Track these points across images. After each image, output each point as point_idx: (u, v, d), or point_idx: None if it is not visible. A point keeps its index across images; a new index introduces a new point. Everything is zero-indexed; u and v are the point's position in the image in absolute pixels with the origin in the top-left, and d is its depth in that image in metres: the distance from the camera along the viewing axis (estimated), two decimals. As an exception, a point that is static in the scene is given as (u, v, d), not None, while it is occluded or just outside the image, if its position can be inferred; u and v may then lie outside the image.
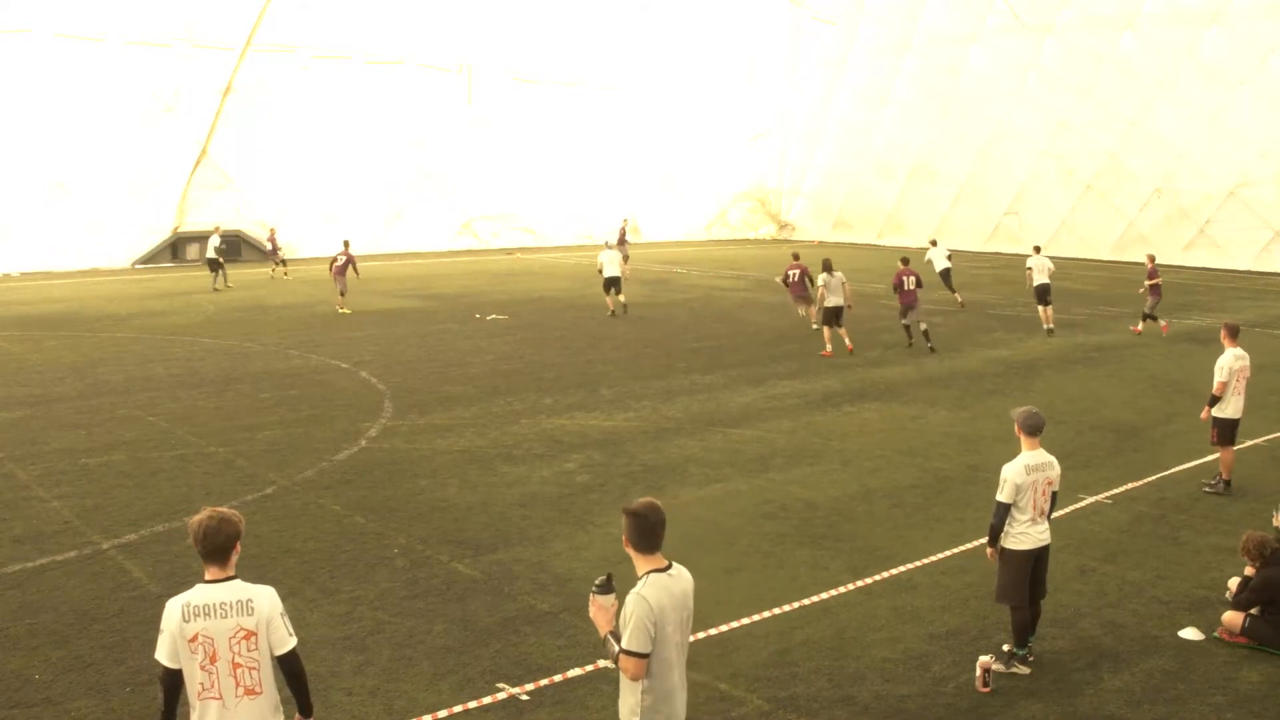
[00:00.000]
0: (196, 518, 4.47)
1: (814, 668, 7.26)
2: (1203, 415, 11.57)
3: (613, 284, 24.52)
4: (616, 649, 4.42)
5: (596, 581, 4.58)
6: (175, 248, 37.11)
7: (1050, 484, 7.32)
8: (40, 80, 33.20)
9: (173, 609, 4.41)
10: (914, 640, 7.70)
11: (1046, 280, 22.78)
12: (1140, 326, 22.17)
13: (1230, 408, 11.31)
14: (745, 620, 7.99)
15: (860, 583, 8.77)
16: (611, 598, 4.51)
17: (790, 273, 22.22)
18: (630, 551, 4.57)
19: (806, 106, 51.48)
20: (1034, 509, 7.21)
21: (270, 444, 13.02)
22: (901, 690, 6.96)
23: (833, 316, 19.60)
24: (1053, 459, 7.38)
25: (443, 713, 6.59)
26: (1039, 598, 7.40)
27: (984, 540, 9.58)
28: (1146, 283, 22.12)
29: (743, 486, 11.41)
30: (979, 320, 24.59)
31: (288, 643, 4.53)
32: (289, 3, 36.82)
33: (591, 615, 4.56)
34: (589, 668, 7.20)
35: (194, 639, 4.36)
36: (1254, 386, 17.01)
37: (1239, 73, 36.52)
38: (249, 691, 4.44)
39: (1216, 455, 11.66)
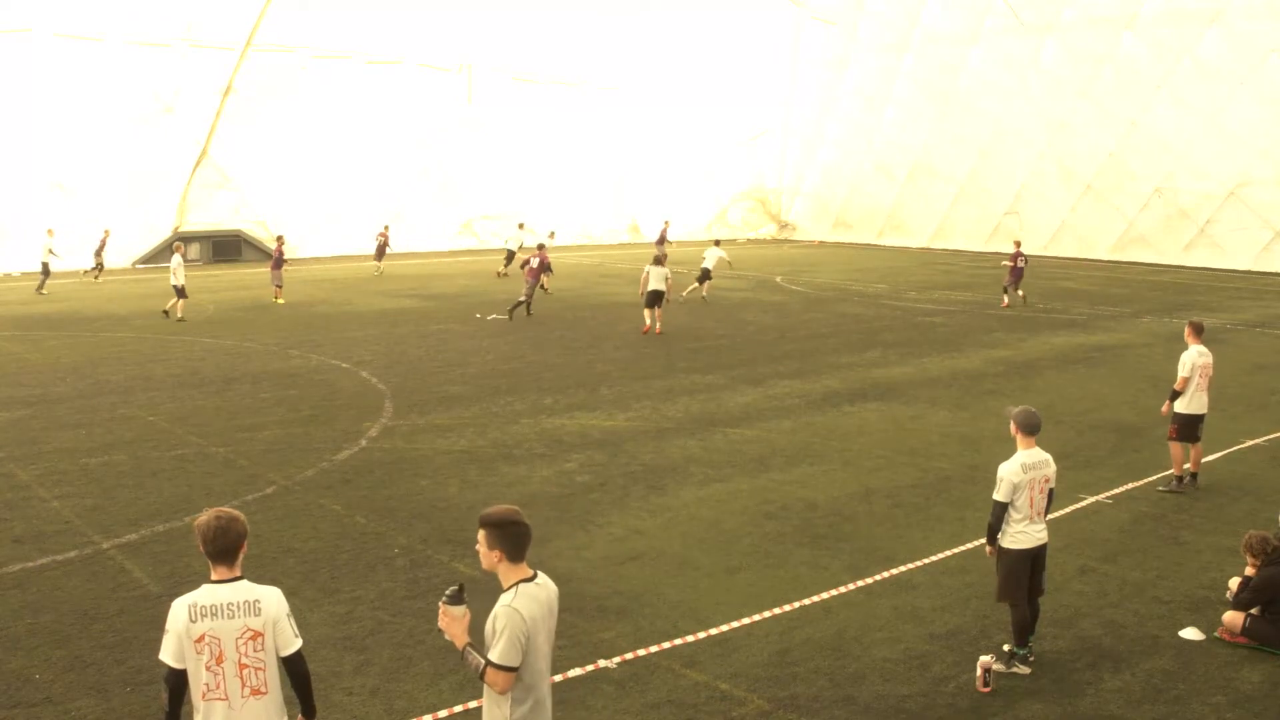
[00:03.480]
0: (203, 518, 4.46)
1: (814, 667, 7.26)
2: (1164, 410, 11.66)
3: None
4: (481, 662, 4.26)
5: (447, 592, 4.38)
6: (173, 248, 37.03)
7: (1047, 481, 7.33)
8: (40, 80, 33.17)
9: (179, 609, 4.39)
10: (914, 640, 7.71)
11: (711, 266, 27.68)
12: (1007, 301, 26.86)
13: (1194, 403, 11.37)
14: (746, 620, 8.00)
15: (860, 582, 8.77)
16: (463, 608, 4.34)
17: (531, 260, 24.79)
18: (497, 562, 4.37)
19: (806, 106, 51.50)
20: (1031, 508, 7.22)
21: (270, 444, 13.02)
22: (902, 690, 6.96)
23: (654, 299, 21.97)
24: (1048, 457, 7.39)
25: (443, 712, 6.59)
26: (1036, 596, 7.40)
27: (984, 540, 9.62)
28: (1006, 264, 27.13)
29: (743, 486, 11.42)
30: (979, 320, 24.60)
31: (294, 643, 4.54)
32: (289, 3, 36.78)
33: (442, 626, 4.38)
34: (589, 667, 7.20)
35: (200, 639, 4.35)
36: (1254, 387, 17.09)
37: (1239, 73, 36.54)
38: (255, 692, 4.44)
39: (1196, 456, 11.60)
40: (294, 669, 4.58)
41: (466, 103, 43.01)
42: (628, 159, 47.40)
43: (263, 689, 4.45)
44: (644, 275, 22.49)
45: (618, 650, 7.46)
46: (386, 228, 35.51)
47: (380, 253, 34.21)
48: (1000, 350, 20.40)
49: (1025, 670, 7.19)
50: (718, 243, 30.66)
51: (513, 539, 4.37)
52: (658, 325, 22.04)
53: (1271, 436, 13.89)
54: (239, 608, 4.41)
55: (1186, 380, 11.30)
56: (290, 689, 4.67)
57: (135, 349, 19.71)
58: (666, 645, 7.57)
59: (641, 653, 7.44)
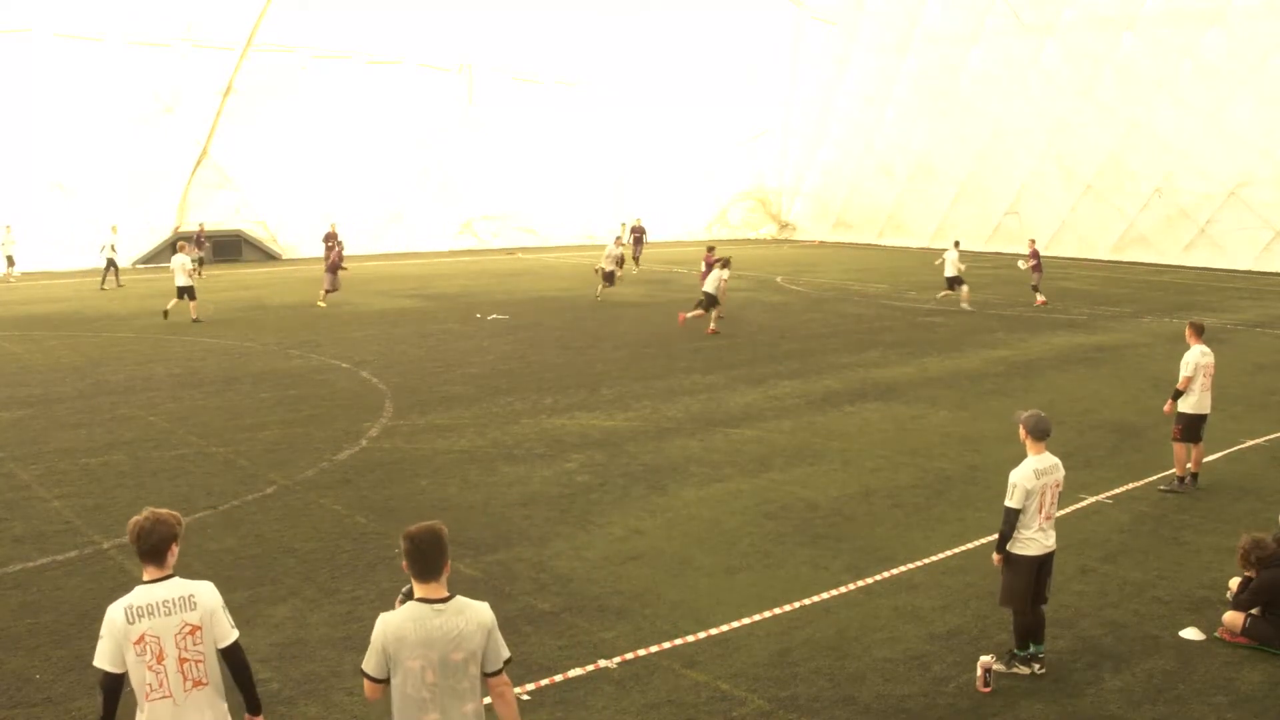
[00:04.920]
0: (135, 519, 4.55)
1: (815, 668, 7.26)
2: (1166, 408, 11.69)
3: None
4: None
5: (403, 590, 4.45)
6: (176, 248, 37.01)
7: (1057, 486, 7.28)
8: (40, 80, 33.16)
9: (114, 613, 4.45)
10: (915, 640, 7.70)
11: (953, 273, 26.56)
12: (1043, 299, 27.16)
13: (1198, 403, 11.39)
14: (746, 620, 8.00)
15: (861, 583, 8.77)
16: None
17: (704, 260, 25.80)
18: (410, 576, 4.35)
19: (806, 106, 51.48)
20: (1041, 514, 7.15)
21: (271, 444, 13.02)
22: (902, 690, 6.96)
23: (710, 302, 22.33)
24: (1058, 462, 7.37)
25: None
26: (1040, 604, 7.33)
27: (985, 540, 9.61)
28: (1029, 262, 27.41)
29: (743, 486, 11.42)
30: (980, 320, 24.60)
31: (230, 634, 4.61)
32: (289, 3, 36.76)
33: None
34: (589, 667, 7.20)
35: (140, 640, 4.41)
36: (1254, 387, 17.09)
37: (1239, 73, 36.52)
38: (196, 684, 4.51)
39: (1197, 456, 11.60)
40: (233, 660, 4.65)
41: (467, 103, 42.98)
42: (628, 159, 47.36)
43: (204, 680, 4.52)
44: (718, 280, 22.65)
45: (618, 650, 7.47)
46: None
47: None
48: (1001, 350, 20.40)
49: (1025, 671, 7.19)
50: (956, 244, 27.80)
51: (409, 556, 4.28)
52: (711, 324, 22.20)
53: (1272, 436, 13.88)
54: (175, 604, 4.47)
55: (1190, 380, 11.32)
56: (238, 683, 4.74)
57: (135, 349, 19.71)
58: (666, 645, 7.57)
59: (641, 653, 7.44)
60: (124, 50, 34.49)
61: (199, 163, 37.16)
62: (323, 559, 9.21)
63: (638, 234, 37.42)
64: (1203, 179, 37.94)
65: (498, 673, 4.39)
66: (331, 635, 7.69)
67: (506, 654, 4.44)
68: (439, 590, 4.30)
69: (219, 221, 37.79)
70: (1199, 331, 11.70)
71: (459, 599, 4.34)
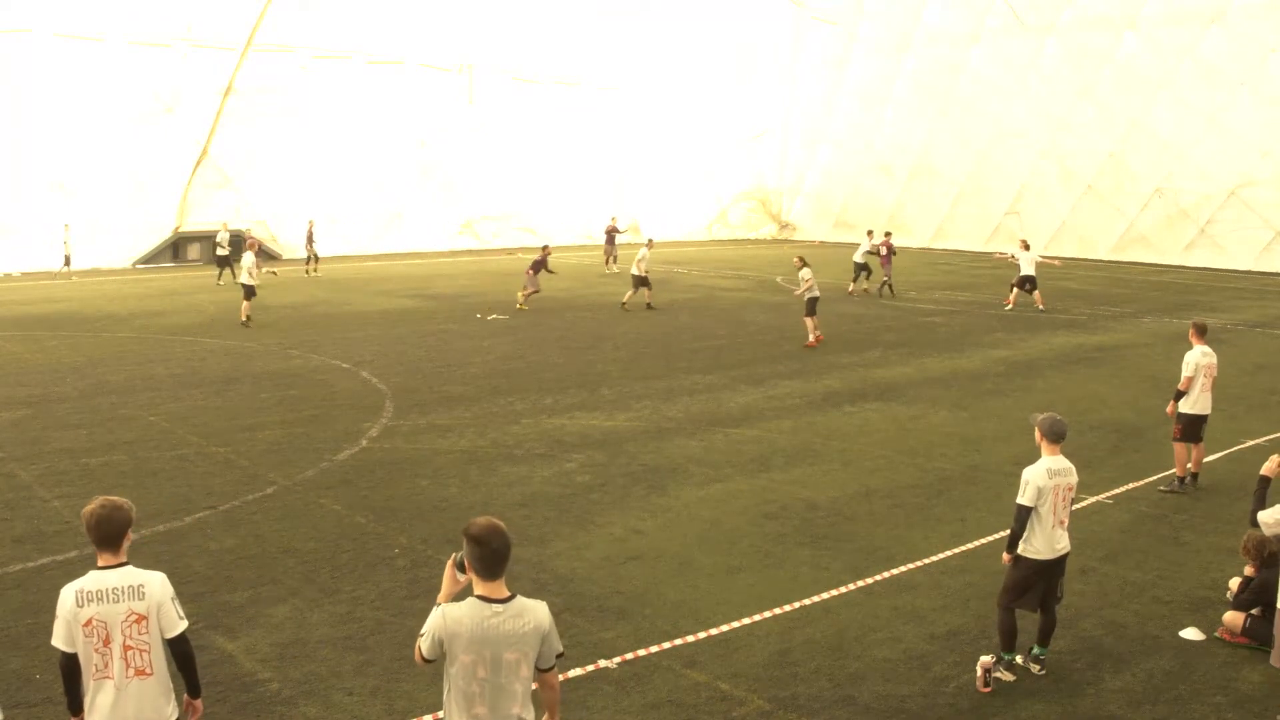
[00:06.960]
0: (89, 507, 4.69)
1: (815, 668, 7.26)
2: (1169, 410, 11.68)
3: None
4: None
5: (456, 556, 4.36)
6: (176, 248, 37.04)
7: (1070, 490, 7.20)
8: (40, 80, 33.16)
9: (66, 595, 4.61)
10: (914, 640, 7.71)
11: (1032, 271, 26.36)
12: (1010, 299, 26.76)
13: (1198, 404, 11.40)
14: (746, 620, 8.00)
15: (861, 583, 8.77)
16: (465, 577, 4.32)
17: (880, 248, 29.14)
18: (471, 574, 4.30)
19: (806, 106, 51.47)
20: (1054, 516, 7.09)
21: (271, 444, 13.02)
22: (902, 690, 6.96)
23: (812, 308, 21.13)
24: (1071, 466, 7.28)
25: (443, 713, 6.58)
26: (1052, 605, 7.30)
27: (985, 540, 9.63)
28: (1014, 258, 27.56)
29: (743, 486, 11.42)
30: (980, 320, 24.60)
31: (178, 626, 4.71)
32: (289, 3, 36.74)
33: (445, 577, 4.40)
34: (589, 668, 7.20)
35: (88, 623, 4.54)
36: (1254, 387, 17.10)
37: (1239, 73, 36.54)
38: (139, 673, 4.59)
39: (1197, 456, 11.61)
40: (178, 650, 4.76)
41: (469, 103, 42.97)
42: (628, 159, 47.37)
43: (147, 670, 4.61)
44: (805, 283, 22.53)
45: (618, 650, 7.47)
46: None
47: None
48: (1001, 350, 20.40)
49: (1009, 677, 7.11)
50: (1027, 245, 27.38)
51: (477, 559, 4.24)
52: (818, 334, 20.82)
53: (1271, 436, 13.88)
54: (124, 592, 4.61)
55: (1191, 380, 11.33)
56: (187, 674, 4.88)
57: (135, 349, 19.71)
58: (666, 645, 7.57)
59: (641, 653, 7.44)
60: (124, 50, 34.47)
61: (199, 163, 37.12)
62: (323, 559, 9.22)
63: (610, 234, 37.14)
64: (1203, 179, 37.95)
65: (549, 669, 4.45)
66: (331, 635, 7.69)
67: (559, 649, 4.47)
68: (499, 589, 4.28)
69: (218, 221, 37.79)
70: (1201, 332, 11.71)
71: (519, 601, 4.31)
